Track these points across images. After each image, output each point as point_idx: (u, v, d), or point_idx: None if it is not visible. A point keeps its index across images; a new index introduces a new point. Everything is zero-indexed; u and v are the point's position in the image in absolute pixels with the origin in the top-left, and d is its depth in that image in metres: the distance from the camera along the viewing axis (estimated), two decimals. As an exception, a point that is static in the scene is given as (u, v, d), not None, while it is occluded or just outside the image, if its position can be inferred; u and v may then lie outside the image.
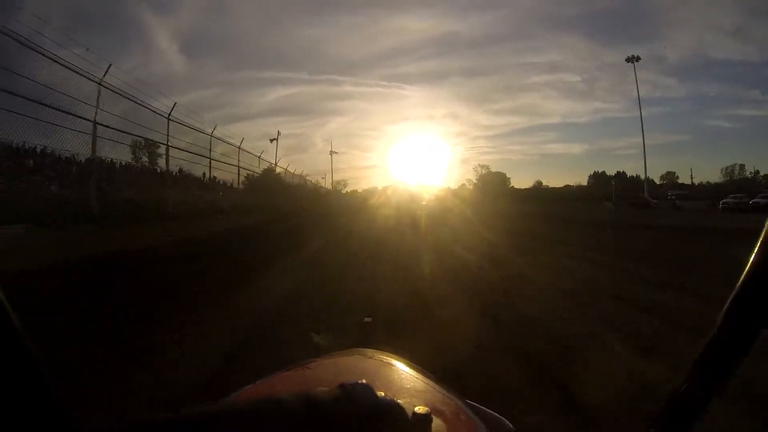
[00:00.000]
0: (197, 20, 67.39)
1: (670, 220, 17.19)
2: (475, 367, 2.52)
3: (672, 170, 61.87)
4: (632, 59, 42.70)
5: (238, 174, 18.76)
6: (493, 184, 51.81)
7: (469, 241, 9.71)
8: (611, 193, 42.96)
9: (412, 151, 65.41)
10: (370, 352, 0.88)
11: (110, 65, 10.21)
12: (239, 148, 18.58)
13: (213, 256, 7.27)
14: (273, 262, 6.73)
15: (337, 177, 47.63)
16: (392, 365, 0.79)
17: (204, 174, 16.61)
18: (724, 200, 29.07)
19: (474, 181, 56.39)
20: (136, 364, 2.67)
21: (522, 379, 2.46)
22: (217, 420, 0.32)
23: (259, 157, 21.49)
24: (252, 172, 20.49)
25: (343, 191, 49.32)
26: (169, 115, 12.98)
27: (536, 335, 3.23)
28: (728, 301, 0.32)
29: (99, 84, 9.83)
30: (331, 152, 44.15)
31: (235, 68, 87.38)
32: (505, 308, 4.01)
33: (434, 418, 0.50)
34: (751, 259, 0.32)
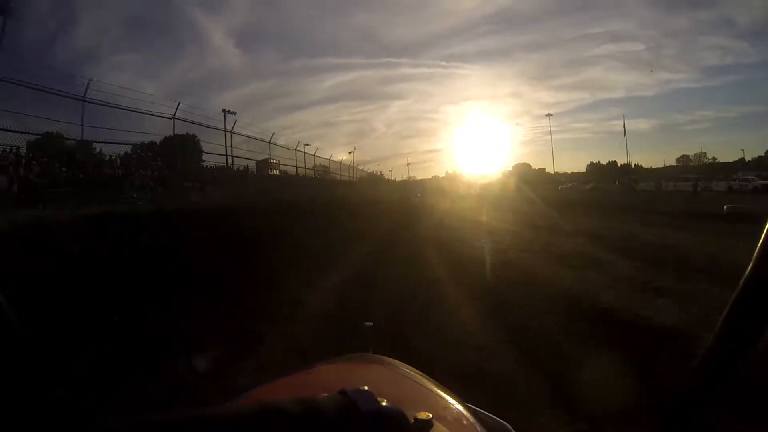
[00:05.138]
0: (250, 13, 65.36)
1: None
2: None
3: (686, 153, 63.04)
4: (548, 116, 53.11)
5: (297, 168, 20.36)
6: (521, 174, 61.52)
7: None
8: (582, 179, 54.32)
9: (474, 133, 65.99)
10: (371, 357, 0.87)
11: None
12: (296, 149, 19.95)
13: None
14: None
15: (401, 161, 59.10)
16: (394, 370, 0.79)
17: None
18: (562, 185, 48.91)
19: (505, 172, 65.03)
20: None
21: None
22: (218, 425, 0.31)
23: (314, 155, 22.69)
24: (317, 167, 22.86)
25: (413, 181, 61.25)
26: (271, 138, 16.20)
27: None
28: (730, 300, 0.32)
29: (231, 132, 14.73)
30: (408, 164, 56.97)
31: (291, 57, 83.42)
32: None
33: (436, 423, 0.50)
34: (753, 257, 0.31)
